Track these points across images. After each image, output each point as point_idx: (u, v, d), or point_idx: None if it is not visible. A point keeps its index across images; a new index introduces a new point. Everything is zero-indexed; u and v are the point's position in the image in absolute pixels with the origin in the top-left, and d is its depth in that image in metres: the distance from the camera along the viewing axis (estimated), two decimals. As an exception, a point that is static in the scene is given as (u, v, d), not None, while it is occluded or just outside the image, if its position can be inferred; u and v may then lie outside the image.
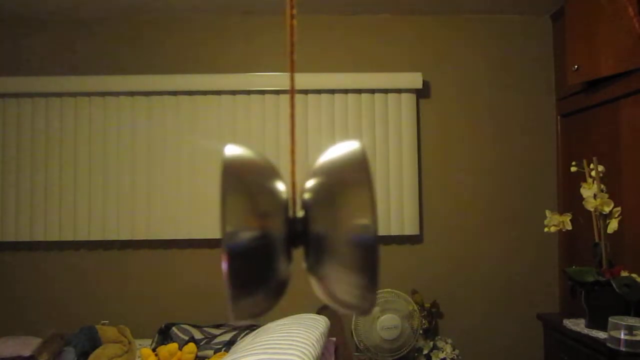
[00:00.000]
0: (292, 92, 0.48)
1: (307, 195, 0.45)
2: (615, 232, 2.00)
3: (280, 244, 0.42)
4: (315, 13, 2.80)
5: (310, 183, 0.46)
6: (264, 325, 2.09)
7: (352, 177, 0.44)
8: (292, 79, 0.48)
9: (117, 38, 2.80)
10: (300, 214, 0.45)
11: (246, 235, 0.40)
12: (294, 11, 0.45)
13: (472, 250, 2.78)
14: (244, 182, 0.43)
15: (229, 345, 2.30)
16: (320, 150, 2.68)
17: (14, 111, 2.71)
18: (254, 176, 0.44)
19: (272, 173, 0.45)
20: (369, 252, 0.42)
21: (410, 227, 2.71)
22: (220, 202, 0.40)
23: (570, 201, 2.57)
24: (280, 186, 0.45)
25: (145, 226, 2.68)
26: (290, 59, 0.47)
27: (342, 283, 0.43)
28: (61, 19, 2.78)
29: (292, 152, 0.48)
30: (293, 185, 0.46)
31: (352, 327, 2.56)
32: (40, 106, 2.71)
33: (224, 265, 0.39)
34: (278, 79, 2.71)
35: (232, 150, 0.45)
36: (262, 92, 2.72)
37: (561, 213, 2.23)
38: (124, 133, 2.71)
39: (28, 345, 2.37)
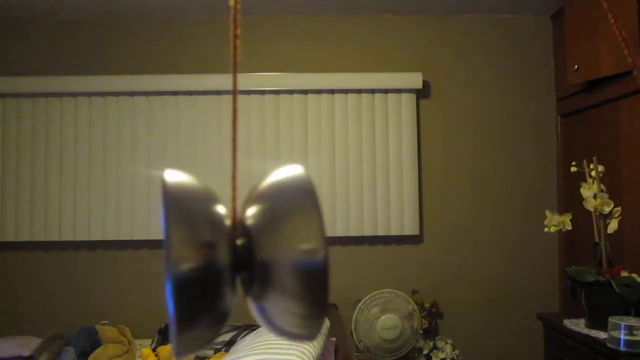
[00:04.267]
0: (234, 114, 0.46)
1: (251, 221, 0.43)
2: (615, 232, 2.00)
3: (227, 273, 0.40)
4: (315, 13, 2.80)
5: (253, 209, 0.44)
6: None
7: (299, 202, 0.42)
8: (234, 101, 0.46)
9: (118, 38, 2.80)
10: (244, 240, 0.43)
11: (192, 265, 0.38)
12: (238, 31, 0.45)
13: (472, 250, 2.78)
14: (187, 210, 0.40)
15: (228, 345, 2.30)
16: (319, 151, 2.69)
17: (14, 111, 2.71)
18: (196, 203, 0.42)
19: (213, 199, 0.43)
20: (317, 279, 0.40)
21: (410, 227, 2.71)
22: (164, 232, 0.38)
23: (570, 201, 2.57)
24: (223, 213, 0.43)
25: (145, 226, 2.68)
26: (233, 77, 0.45)
27: (287, 312, 0.41)
28: (61, 18, 2.78)
29: (234, 177, 0.45)
30: (234, 212, 0.44)
31: (352, 327, 2.56)
32: (40, 106, 2.71)
33: (170, 299, 0.37)
34: (278, 79, 2.71)
35: (172, 176, 0.43)
36: (262, 92, 2.72)
37: (561, 213, 2.23)
38: (124, 133, 2.71)
39: (28, 345, 2.37)
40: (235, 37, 0.44)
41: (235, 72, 0.45)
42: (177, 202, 0.40)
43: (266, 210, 0.43)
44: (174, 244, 0.38)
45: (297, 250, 0.41)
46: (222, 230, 0.42)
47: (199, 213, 0.41)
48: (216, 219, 0.42)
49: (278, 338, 1.60)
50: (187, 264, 0.38)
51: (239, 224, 0.44)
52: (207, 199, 0.43)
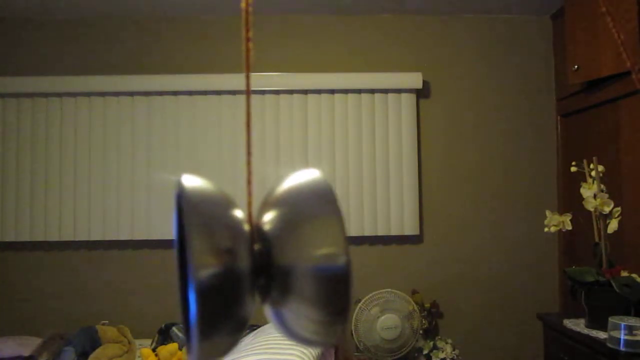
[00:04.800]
0: (248, 118, 0.45)
1: (269, 227, 0.43)
2: (615, 232, 2.00)
3: (247, 279, 0.40)
4: (315, 13, 2.80)
5: (270, 214, 0.43)
6: (264, 325, 2.09)
7: (320, 207, 0.42)
8: (248, 104, 0.45)
9: (117, 38, 2.80)
10: (261, 246, 0.42)
11: (214, 272, 0.38)
12: (250, 34, 0.44)
13: (472, 250, 2.78)
14: (207, 217, 0.40)
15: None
16: (320, 151, 2.68)
17: (14, 111, 2.71)
18: (215, 208, 0.42)
19: (231, 204, 0.43)
20: (340, 285, 0.40)
21: (410, 227, 2.71)
22: (187, 239, 0.38)
23: (570, 201, 2.57)
24: (241, 218, 0.43)
25: (145, 226, 2.68)
26: (246, 82, 0.45)
27: (306, 318, 0.41)
28: (61, 18, 2.78)
29: (249, 182, 0.44)
30: (250, 217, 0.43)
31: (352, 327, 2.56)
32: (40, 106, 2.71)
33: (193, 306, 0.37)
34: (278, 79, 2.71)
35: (190, 181, 0.42)
36: (262, 92, 2.72)
37: (561, 213, 2.23)
38: (124, 133, 2.71)
39: (28, 345, 2.37)
40: (248, 39, 0.44)
41: (248, 73, 0.44)
42: (197, 209, 0.40)
43: (285, 215, 0.43)
44: (196, 252, 0.38)
45: (318, 255, 0.40)
46: (242, 236, 0.41)
47: (219, 219, 0.41)
48: (235, 225, 0.42)
49: (279, 338, 1.60)
50: (210, 271, 0.38)
51: (255, 229, 0.43)
52: (225, 204, 0.43)
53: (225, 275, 0.38)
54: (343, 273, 0.40)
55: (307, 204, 0.43)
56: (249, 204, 0.44)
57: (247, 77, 0.44)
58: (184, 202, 0.40)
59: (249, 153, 0.45)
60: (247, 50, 0.43)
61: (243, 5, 0.43)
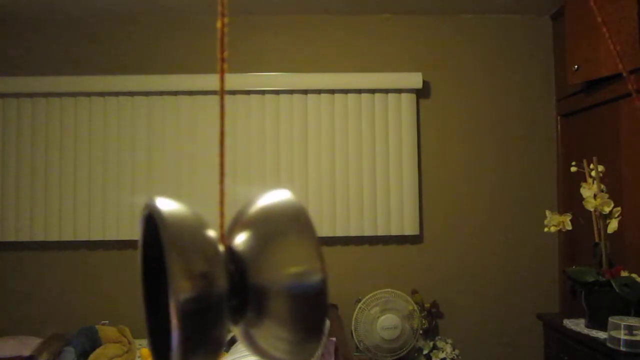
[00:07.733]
0: (221, 141, 0.44)
1: (242, 247, 0.43)
2: (615, 232, 2.00)
3: (225, 301, 0.41)
4: (315, 13, 2.80)
5: (243, 235, 0.44)
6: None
7: (293, 226, 0.43)
8: (221, 128, 0.45)
9: (117, 38, 2.80)
10: (236, 267, 0.43)
11: (193, 296, 0.38)
12: (226, 54, 0.44)
13: (472, 250, 2.78)
14: (185, 243, 0.40)
15: (229, 345, 2.30)
16: (320, 151, 2.68)
17: (14, 111, 2.71)
18: (191, 233, 0.42)
19: (204, 226, 0.43)
20: (315, 302, 0.40)
21: (410, 227, 2.71)
22: (167, 267, 0.38)
23: (570, 201, 2.57)
24: (215, 239, 0.43)
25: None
26: (220, 83, 0.44)
27: (280, 339, 0.41)
28: (61, 18, 2.78)
29: (221, 203, 0.45)
30: (223, 238, 0.44)
31: (352, 327, 2.56)
32: (40, 106, 2.71)
33: (174, 330, 0.37)
34: (278, 79, 2.71)
35: (165, 206, 0.43)
36: (262, 92, 2.72)
37: (561, 213, 2.23)
38: (124, 133, 2.71)
39: (28, 345, 2.37)
40: (223, 60, 0.43)
41: (222, 95, 0.44)
42: (174, 235, 0.40)
43: (259, 236, 0.43)
44: (176, 277, 0.38)
45: (294, 273, 0.41)
46: (218, 259, 0.42)
47: (196, 243, 0.41)
48: (210, 248, 0.42)
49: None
50: (190, 295, 0.38)
51: (229, 250, 0.44)
52: (199, 226, 0.43)
53: (205, 300, 0.39)
54: (319, 290, 0.40)
55: (280, 224, 0.43)
56: (221, 226, 0.44)
57: (221, 98, 0.44)
58: (162, 229, 0.40)
59: (221, 173, 0.45)
60: (222, 71, 0.43)
61: (219, 25, 0.43)
